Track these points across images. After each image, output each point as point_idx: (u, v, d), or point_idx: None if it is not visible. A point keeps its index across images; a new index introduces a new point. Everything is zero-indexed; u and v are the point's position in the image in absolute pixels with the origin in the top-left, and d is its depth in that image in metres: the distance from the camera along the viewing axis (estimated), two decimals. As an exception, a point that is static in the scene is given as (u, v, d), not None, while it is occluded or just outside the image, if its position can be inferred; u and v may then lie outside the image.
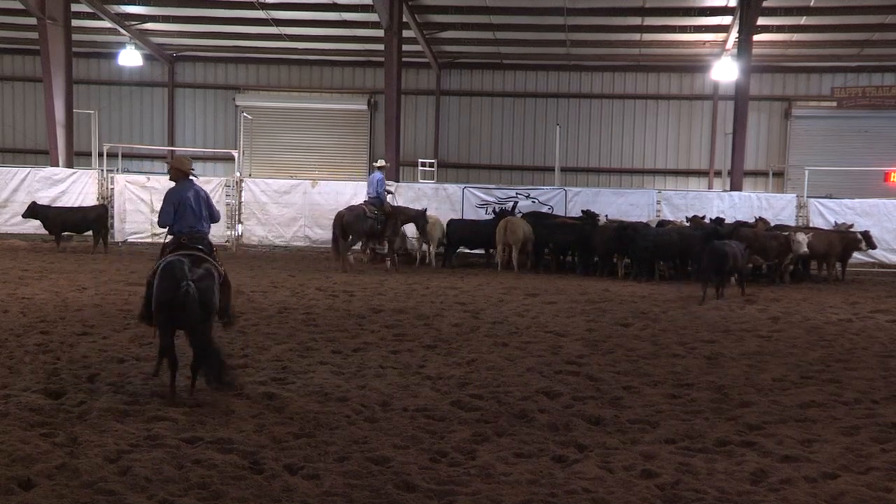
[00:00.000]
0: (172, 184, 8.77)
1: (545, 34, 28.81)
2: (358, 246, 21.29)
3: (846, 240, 20.01)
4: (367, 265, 20.98)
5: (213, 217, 8.73)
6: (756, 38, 25.03)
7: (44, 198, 23.33)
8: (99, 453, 6.25)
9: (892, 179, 28.98)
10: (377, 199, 20.39)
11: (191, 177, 8.74)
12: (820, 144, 30.79)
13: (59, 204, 23.42)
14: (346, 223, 20.07)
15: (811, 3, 25.57)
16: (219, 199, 22.55)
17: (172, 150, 32.22)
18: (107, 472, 5.91)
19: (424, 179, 28.48)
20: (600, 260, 20.38)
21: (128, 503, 5.45)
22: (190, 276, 7.73)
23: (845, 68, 30.65)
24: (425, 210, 21.60)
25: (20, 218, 23.15)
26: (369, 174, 23.46)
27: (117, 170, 26.43)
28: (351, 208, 20.61)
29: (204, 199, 8.60)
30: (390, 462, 6.28)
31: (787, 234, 19.11)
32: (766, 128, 31.37)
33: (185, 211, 8.40)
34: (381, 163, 21.56)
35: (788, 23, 26.81)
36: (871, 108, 30.30)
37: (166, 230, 8.60)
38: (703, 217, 21.42)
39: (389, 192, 21.15)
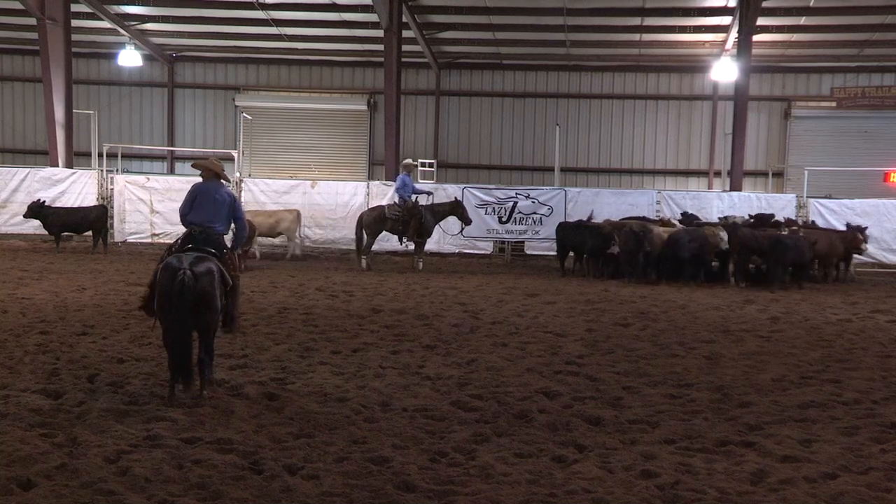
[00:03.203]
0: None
1: (545, 34, 28.81)
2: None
3: (847, 240, 19.95)
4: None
5: (237, 224, 8.59)
6: (756, 38, 25.03)
7: (43, 198, 23.30)
8: (98, 453, 6.25)
9: (891, 179, 28.99)
10: (401, 199, 20.74)
11: (222, 180, 8.67)
12: (819, 145, 30.81)
13: (58, 204, 23.40)
14: (364, 223, 20.56)
15: (811, 4, 25.58)
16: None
17: (172, 150, 32.29)
18: (106, 472, 5.91)
19: (424, 180, 28.46)
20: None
21: (127, 503, 5.45)
22: (188, 267, 7.70)
23: (845, 68, 30.67)
24: (457, 198, 21.82)
25: (20, 218, 23.16)
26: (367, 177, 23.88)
27: (117, 170, 26.37)
28: (372, 209, 21.21)
29: (227, 203, 8.47)
30: (390, 462, 6.28)
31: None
32: (766, 128, 31.39)
33: (203, 203, 8.34)
34: (408, 161, 21.81)
35: (788, 23, 26.83)
36: (870, 108, 30.33)
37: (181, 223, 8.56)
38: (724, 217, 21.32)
39: (426, 193, 21.50)
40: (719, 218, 21.22)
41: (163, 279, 7.82)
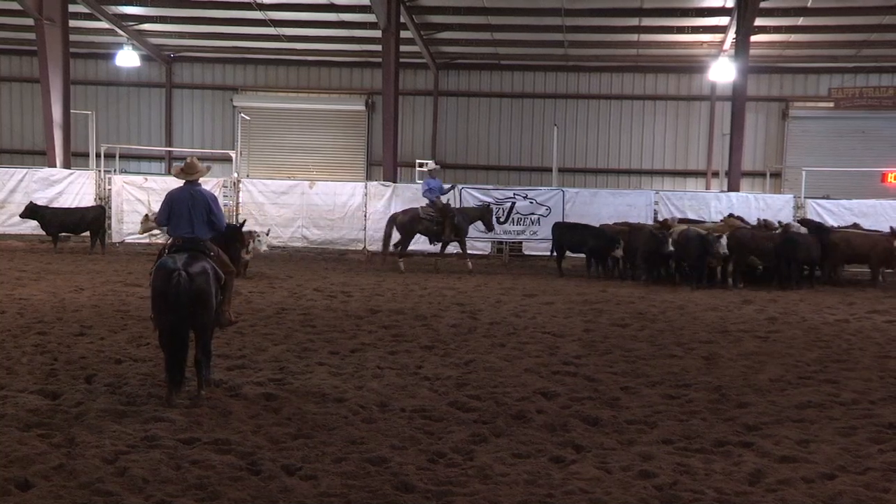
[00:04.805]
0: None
1: (543, 35, 28.81)
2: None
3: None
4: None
5: (214, 224, 8.35)
6: (753, 38, 25.05)
7: (41, 198, 23.30)
8: (96, 454, 6.25)
9: (888, 180, 28.99)
10: (431, 201, 21.00)
11: (193, 181, 8.43)
12: (817, 145, 30.80)
13: (56, 205, 23.39)
14: (399, 224, 20.82)
15: (808, 4, 25.59)
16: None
17: (170, 151, 32.26)
18: (104, 472, 5.91)
19: (422, 180, 28.45)
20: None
21: (125, 504, 5.45)
22: (183, 267, 7.69)
23: (842, 69, 30.65)
24: (489, 204, 21.95)
25: (18, 219, 23.13)
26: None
27: (115, 170, 26.38)
28: (405, 211, 21.45)
29: (202, 205, 8.25)
30: (388, 463, 6.28)
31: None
32: (764, 128, 31.36)
33: (180, 214, 8.22)
34: (434, 166, 21.94)
35: (786, 23, 26.84)
36: (868, 108, 30.29)
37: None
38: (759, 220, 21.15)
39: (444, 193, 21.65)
40: (758, 219, 20.92)
41: (157, 280, 7.81)
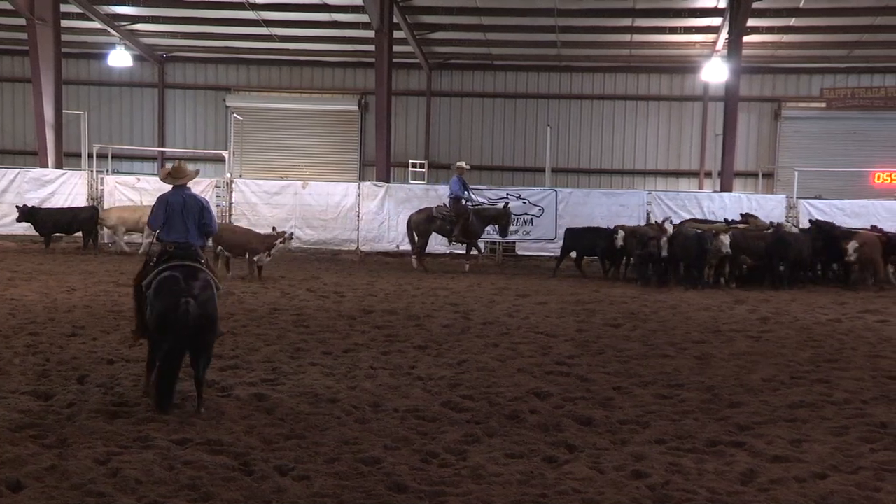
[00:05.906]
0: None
1: (536, 35, 28.83)
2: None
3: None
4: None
5: (206, 228, 8.21)
6: (746, 39, 25.09)
7: (33, 199, 23.21)
8: (88, 455, 6.23)
9: (875, 180, 29.07)
10: (452, 200, 20.96)
11: (181, 184, 8.30)
12: (809, 145, 30.88)
13: (48, 205, 23.32)
14: (414, 223, 20.96)
15: (801, 5, 25.66)
16: (209, 200, 22.62)
17: (163, 151, 32.20)
18: (96, 473, 5.89)
19: (415, 180, 28.46)
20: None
21: (117, 505, 5.43)
22: (187, 291, 7.42)
23: (834, 69, 30.76)
24: (507, 205, 21.89)
25: (9, 219, 23.00)
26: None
27: (107, 171, 26.29)
28: (420, 211, 21.47)
29: (194, 210, 8.11)
30: (381, 463, 6.28)
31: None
32: (756, 129, 31.44)
33: (173, 219, 8.05)
34: (461, 164, 21.74)
35: (778, 24, 26.91)
36: (860, 108, 30.42)
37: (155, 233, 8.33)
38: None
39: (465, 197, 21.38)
40: (770, 222, 20.94)
41: (163, 302, 7.47)
